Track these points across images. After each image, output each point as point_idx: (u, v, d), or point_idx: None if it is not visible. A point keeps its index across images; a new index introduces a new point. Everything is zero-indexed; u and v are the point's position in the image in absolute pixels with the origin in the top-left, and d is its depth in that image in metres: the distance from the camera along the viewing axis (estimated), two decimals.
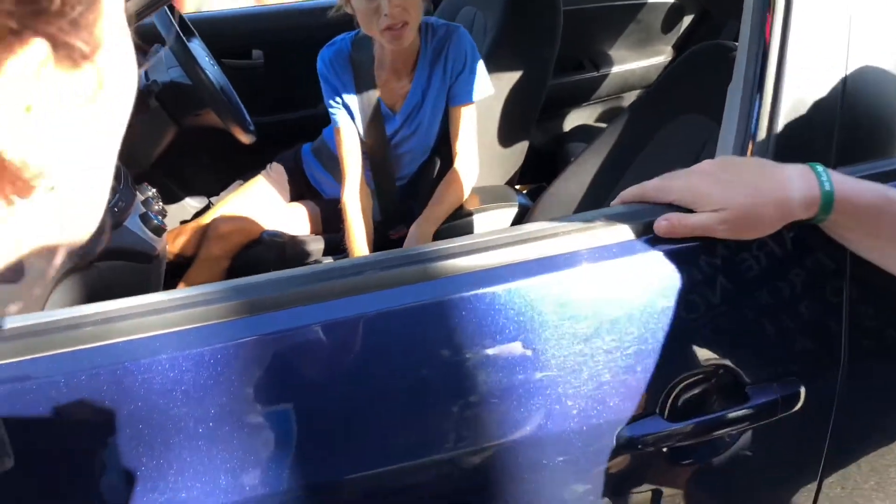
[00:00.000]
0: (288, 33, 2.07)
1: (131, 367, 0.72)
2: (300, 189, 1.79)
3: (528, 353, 0.83)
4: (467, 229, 1.64)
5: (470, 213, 1.63)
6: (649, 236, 0.86)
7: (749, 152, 0.92)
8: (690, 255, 0.87)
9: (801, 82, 0.89)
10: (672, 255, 0.86)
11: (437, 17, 1.97)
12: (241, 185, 1.82)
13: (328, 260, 1.65)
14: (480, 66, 1.56)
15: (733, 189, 0.80)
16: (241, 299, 0.78)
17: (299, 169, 1.81)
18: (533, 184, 2.25)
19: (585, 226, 0.86)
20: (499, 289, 0.83)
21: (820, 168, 0.79)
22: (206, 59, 1.67)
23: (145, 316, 0.74)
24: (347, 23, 1.55)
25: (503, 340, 0.82)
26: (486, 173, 1.72)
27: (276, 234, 1.51)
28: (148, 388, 0.72)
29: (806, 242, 0.89)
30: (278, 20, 2.14)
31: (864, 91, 0.91)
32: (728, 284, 0.87)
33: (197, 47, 1.68)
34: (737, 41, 0.98)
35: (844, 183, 0.79)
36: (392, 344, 0.82)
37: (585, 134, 2.28)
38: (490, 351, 0.83)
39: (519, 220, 1.65)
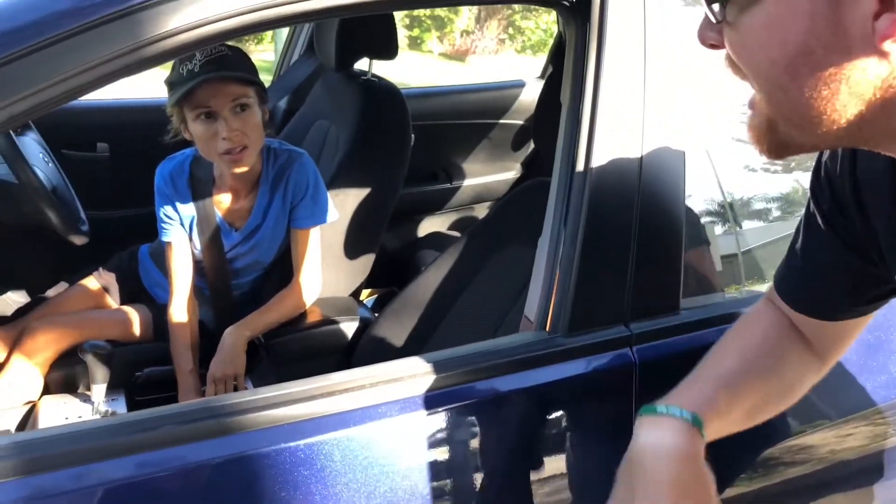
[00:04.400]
0: (136, 128, 2.02)
1: None
2: (133, 292, 1.71)
3: None
4: (306, 342, 1.63)
5: (310, 327, 1.62)
6: (452, 388, 0.89)
7: (556, 276, 0.98)
8: (488, 409, 0.91)
9: (600, 216, 0.97)
10: (470, 409, 0.90)
11: (290, 129, 2.00)
12: (69, 284, 1.72)
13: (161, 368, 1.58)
14: (323, 193, 1.59)
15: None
16: (18, 458, 0.73)
17: (134, 271, 1.74)
18: (384, 288, 2.28)
19: (391, 377, 0.88)
20: (301, 443, 0.82)
21: (663, 409, 0.75)
22: (40, 155, 1.59)
23: None
24: None
25: (305, 500, 0.81)
26: (330, 285, 1.72)
27: (98, 346, 1.42)
28: None
29: (595, 389, 0.96)
30: (126, 114, 2.10)
31: (655, 224, 0.99)
32: (521, 434, 0.92)
33: (31, 141, 1.60)
34: None
35: (692, 400, 0.75)
36: None
37: (437, 242, 2.36)
38: None
39: (361, 333, 1.66)
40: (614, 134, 0.98)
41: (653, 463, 0.71)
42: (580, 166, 0.98)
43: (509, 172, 2.52)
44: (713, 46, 0.57)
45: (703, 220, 1.11)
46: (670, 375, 0.96)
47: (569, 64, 1.03)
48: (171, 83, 1.44)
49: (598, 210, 0.97)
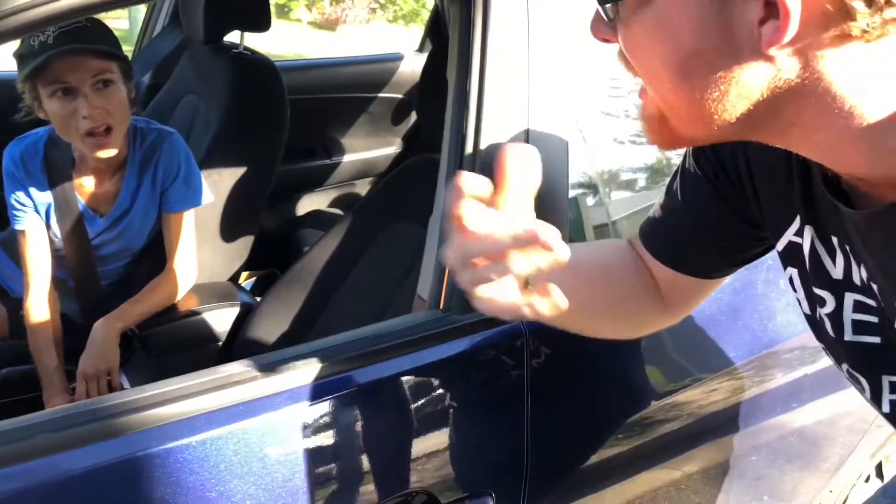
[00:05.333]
0: None
1: None
2: None
3: None
4: (183, 331, 1.55)
5: (187, 315, 1.55)
6: (345, 374, 0.88)
7: None
8: (381, 386, 0.90)
9: None
10: (364, 391, 0.89)
11: (155, 106, 1.88)
12: None
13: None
14: (196, 174, 1.50)
15: None
16: None
17: None
18: (263, 270, 2.21)
19: (283, 366, 0.85)
20: (193, 440, 0.79)
21: None
22: None
23: None
24: None
25: (201, 498, 0.78)
26: (207, 269, 1.64)
27: None
28: None
29: (489, 363, 0.98)
30: None
31: (542, 200, 1.00)
32: (419, 412, 0.92)
33: None
34: None
35: None
36: None
37: (318, 220, 2.31)
38: None
39: (242, 318, 1.60)
40: (502, 112, 0.99)
41: None
42: (469, 145, 0.98)
43: (390, 147, 2.50)
44: (605, 40, 0.57)
45: (584, 191, 1.14)
46: (557, 342, 0.99)
47: (454, 42, 1.03)
48: (21, 56, 1.30)
49: None
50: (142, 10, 2.40)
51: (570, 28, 1.04)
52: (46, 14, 0.71)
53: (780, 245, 0.69)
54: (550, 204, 1.03)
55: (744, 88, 0.51)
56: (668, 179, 0.83)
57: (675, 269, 0.81)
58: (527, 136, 1.00)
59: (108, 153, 1.36)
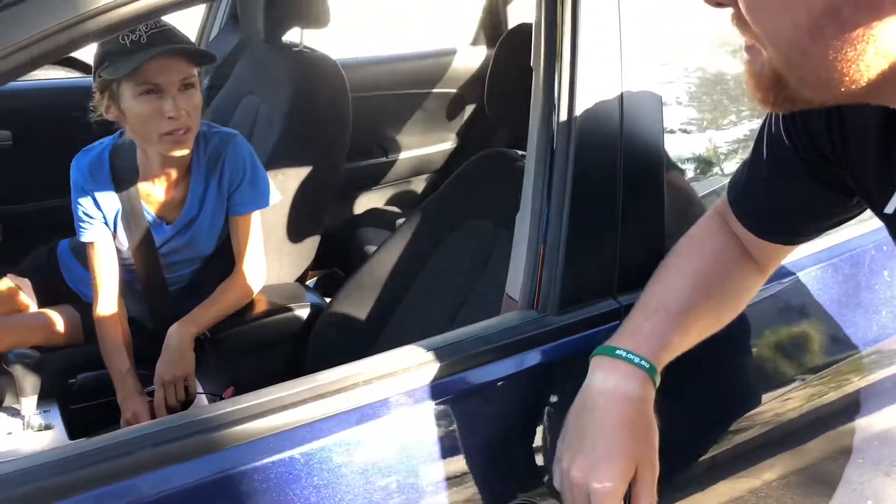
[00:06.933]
0: (40, 113, 1.83)
1: None
2: (56, 292, 1.56)
3: None
4: (255, 334, 1.53)
5: (258, 317, 1.53)
6: (448, 378, 0.84)
7: (542, 253, 0.94)
8: (484, 391, 0.86)
9: (585, 189, 0.93)
10: (467, 395, 0.85)
11: (215, 107, 1.86)
12: None
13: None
14: (262, 175, 1.47)
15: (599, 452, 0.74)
16: None
17: (54, 268, 1.58)
18: (324, 269, 2.19)
19: (381, 372, 0.81)
20: (296, 453, 0.75)
21: (622, 352, 0.77)
22: None
23: None
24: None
25: None
26: (274, 271, 1.62)
27: (25, 355, 1.28)
28: None
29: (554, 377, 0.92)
30: (29, 99, 1.89)
31: (638, 195, 0.96)
32: (524, 417, 0.88)
33: None
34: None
35: (649, 344, 0.78)
36: None
37: (377, 218, 2.28)
38: None
39: (312, 319, 1.57)
40: (595, 98, 0.94)
41: (606, 407, 0.75)
42: (561, 139, 0.93)
43: (445, 143, 2.46)
44: (720, 5, 0.52)
45: (681, 184, 1.09)
46: None
47: (539, 29, 0.98)
48: (108, 53, 1.29)
49: (583, 183, 0.93)
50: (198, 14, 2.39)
51: (663, 6, 0.99)
52: (127, 15, 0.69)
53: (890, 208, 0.66)
54: (646, 198, 0.98)
55: (882, 46, 0.47)
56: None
57: (774, 241, 0.82)
58: (621, 119, 0.95)
59: (184, 152, 1.35)
